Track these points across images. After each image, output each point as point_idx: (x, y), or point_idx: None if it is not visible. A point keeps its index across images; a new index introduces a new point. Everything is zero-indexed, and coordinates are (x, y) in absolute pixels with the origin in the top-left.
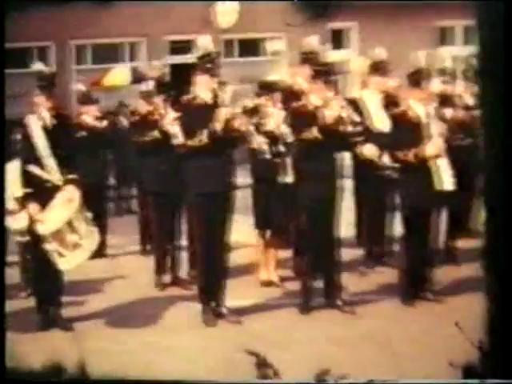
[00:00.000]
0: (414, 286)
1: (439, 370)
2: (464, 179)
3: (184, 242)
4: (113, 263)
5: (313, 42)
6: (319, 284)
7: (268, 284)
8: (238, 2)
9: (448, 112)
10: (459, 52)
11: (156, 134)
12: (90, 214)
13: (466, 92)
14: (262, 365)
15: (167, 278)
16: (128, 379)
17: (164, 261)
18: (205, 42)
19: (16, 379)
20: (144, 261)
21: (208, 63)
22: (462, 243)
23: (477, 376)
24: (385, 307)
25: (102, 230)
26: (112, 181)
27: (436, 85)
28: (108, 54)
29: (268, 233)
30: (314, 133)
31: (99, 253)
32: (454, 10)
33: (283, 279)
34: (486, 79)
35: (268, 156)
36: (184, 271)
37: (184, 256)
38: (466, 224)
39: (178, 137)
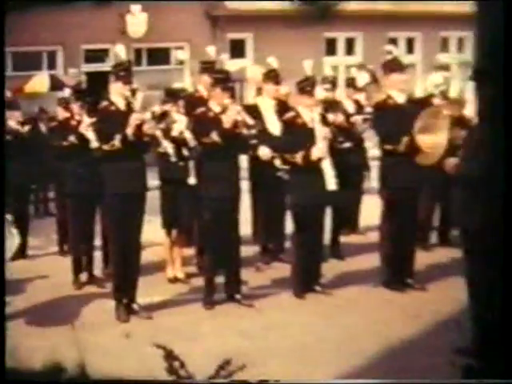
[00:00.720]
0: (304, 280)
1: (335, 356)
2: (347, 179)
3: (99, 241)
4: (33, 264)
5: (211, 52)
6: (221, 279)
7: (175, 281)
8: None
9: (330, 117)
10: (341, 61)
11: (73, 139)
12: (10, 217)
13: (347, 98)
14: (170, 357)
15: (84, 277)
16: (128, 379)
17: (81, 260)
18: (118, 51)
19: (16, 379)
20: (62, 261)
21: (121, 71)
22: (346, 239)
23: (476, 376)
24: (280, 300)
25: (23, 232)
26: (32, 184)
27: (320, 92)
28: (28, 62)
29: (174, 232)
30: (213, 137)
31: (20, 254)
32: (339, 23)
33: (189, 276)
34: (485, 78)
35: (174, 159)
36: (99, 270)
37: (99, 255)
38: (350, 220)
39: (94, 142)
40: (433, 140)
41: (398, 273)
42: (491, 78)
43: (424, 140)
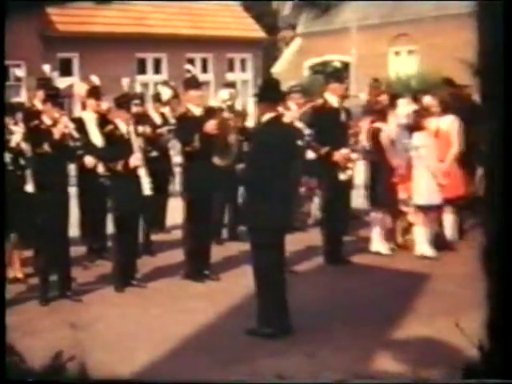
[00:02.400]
0: (123, 275)
1: (150, 343)
2: (156, 184)
3: None
4: None
5: (46, 69)
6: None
7: (14, 281)
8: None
9: (140, 129)
10: (150, 79)
11: None
12: None
13: (154, 112)
14: (10, 353)
15: None
16: (128, 379)
17: None
18: None
19: (16, 379)
20: None
21: None
22: (156, 237)
23: (476, 376)
24: (103, 294)
25: None
26: None
27: (133, 107)
28: None
29: (14, 236)
30: (45, 147)
31: None
32: (148, 45)
33: (28, 276)
34: (485, 78)
35: (12, 168)
36: None
37: None
38: (159, 220)
39: None
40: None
41: (198, 265)
42: (491, 77)
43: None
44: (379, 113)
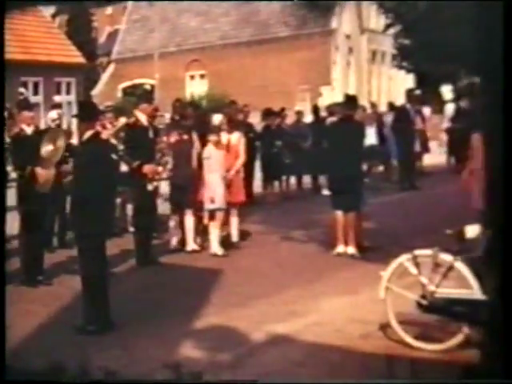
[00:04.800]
0: None
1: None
2: None
3: None
4: None
5: None
6: None
7: None
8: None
9: None
10: None
11: None
12: None
13: None
14: None
15: None
16: (128, 379)
17: None
18: None
19: (16, 379)
20: None
21: None
22: None
23: (476, 376)
24: None
25: None
26: None
27: None
28: None
29: None
30: None
31: None
32: None
33: None
34: (485, 78)
35: None
36: None
37: None
38: None
39: None
40: (45, 173)
41: (32, 272)
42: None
43: (40, 172)
44: (183, 128)
